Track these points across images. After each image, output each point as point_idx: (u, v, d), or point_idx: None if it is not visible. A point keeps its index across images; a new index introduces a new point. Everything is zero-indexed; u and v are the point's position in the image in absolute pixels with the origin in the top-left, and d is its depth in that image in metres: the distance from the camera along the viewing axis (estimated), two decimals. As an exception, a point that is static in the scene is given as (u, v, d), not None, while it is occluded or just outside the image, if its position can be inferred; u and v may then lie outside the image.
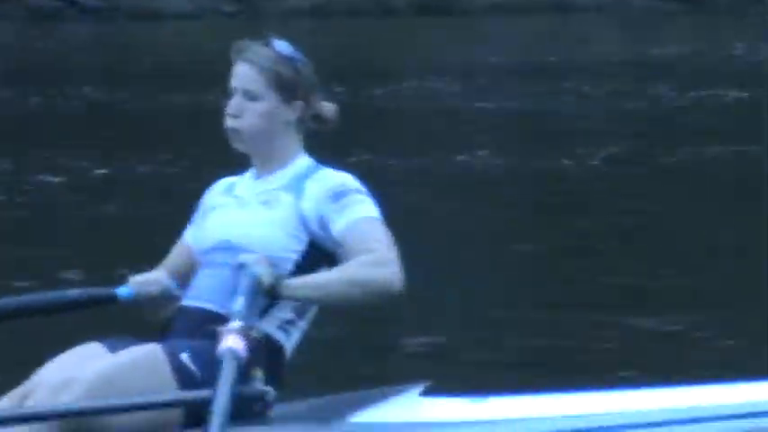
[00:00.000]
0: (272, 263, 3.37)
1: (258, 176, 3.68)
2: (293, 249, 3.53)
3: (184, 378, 3.19)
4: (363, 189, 3.71)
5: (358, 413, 3.91)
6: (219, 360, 2.95)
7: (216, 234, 3.58)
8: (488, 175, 17.19)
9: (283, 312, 3.48)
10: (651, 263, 11.87)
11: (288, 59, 3.69)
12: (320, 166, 3.75)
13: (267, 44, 3.69)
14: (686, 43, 37.81)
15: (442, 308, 9.48)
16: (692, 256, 11.94)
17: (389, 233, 3.61)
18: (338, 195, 3.55)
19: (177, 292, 3.56)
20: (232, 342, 2.95)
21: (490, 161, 18.01)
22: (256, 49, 3.71)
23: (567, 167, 17.66)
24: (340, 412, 3.89)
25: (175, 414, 3.28)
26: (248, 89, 3.60)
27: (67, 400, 3.02)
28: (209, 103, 21.79)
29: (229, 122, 3.61)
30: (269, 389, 3.23)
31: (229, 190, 3.78)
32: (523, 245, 12.63)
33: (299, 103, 3.58)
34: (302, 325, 3.64)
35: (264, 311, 3.36)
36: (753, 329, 8.72)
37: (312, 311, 3.65)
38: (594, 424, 3.94)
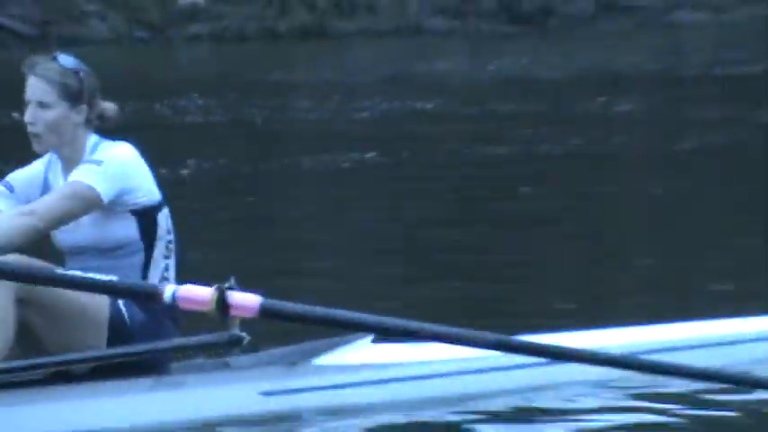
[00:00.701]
0: None
1: (66, 171, 4.25)
2: None
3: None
4: (112, 161, 4.12)
5: (319, 357, 4.90)
6: None
7: None
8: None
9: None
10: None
11: (72, 71, 4.27)
12: (102, 140, 4.33)
13: (54, 59, 4.30)
14: (456, 61, 41.57)
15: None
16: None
17: (75, 196, 4.08)
18: (85, 162, 4.17)
19: None
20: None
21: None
22: (45, 65, 4.29)
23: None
24: (303, 357, 4.80)
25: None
26: (41, 100, 4.22)
27: None
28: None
29: (29, 129, 4.23)
30: (244, 334, 4.02)
31: (47, 181, 4.33)
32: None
33: (84, 107, 4.28)
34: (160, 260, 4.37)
35: None
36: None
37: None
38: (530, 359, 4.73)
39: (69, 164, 4.24)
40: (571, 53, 42.69)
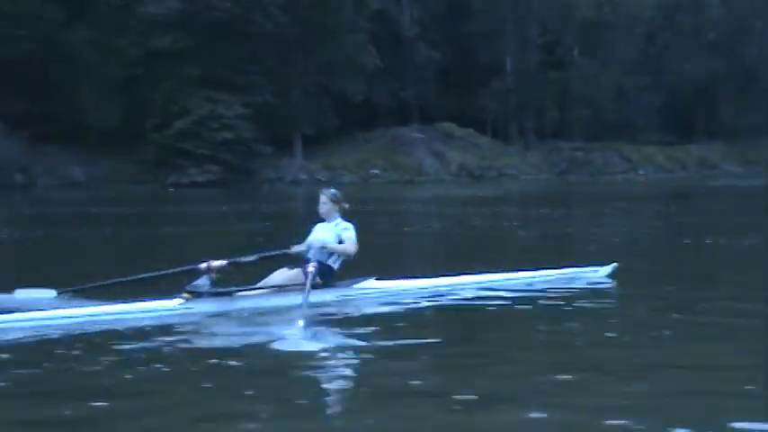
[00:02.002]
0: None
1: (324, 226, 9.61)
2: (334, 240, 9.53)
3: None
4: (351, 226, 9.58)
5: (334, 290, 9.66)
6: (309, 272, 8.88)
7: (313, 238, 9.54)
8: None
9: (332, 258, 9.47)
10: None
11: (333, 193, 9.88)
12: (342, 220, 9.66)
13: (329, 188, 10.32)
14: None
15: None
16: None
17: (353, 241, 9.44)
18: (343, 229, 9.49)
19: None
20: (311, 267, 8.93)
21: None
22: (326, 190, 10.07)
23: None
24: (319, 292, 9.25)
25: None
26: (323, 202, 9.78)
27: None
28: None
29: (320, 209, 9.78)
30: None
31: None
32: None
33: (336, 206, 9.88)
34: (338, 258, 9.52)
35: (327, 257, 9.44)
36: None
37: (338, 256, 9.49)
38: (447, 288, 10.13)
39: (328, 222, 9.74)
40: None
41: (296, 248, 9.51)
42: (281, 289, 9.18)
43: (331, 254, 9.47)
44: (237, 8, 51.30)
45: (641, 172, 61.73)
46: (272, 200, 37.03)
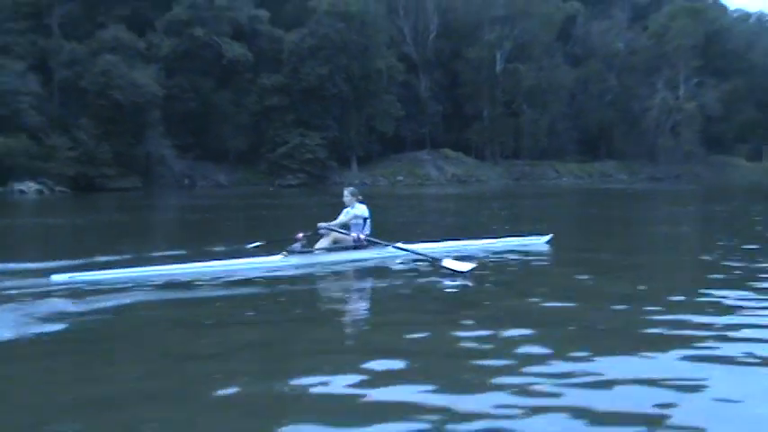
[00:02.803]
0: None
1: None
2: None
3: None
4: (361, 206, 9.10)
5: (360, 251, 8.98)
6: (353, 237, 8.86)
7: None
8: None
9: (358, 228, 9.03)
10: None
11: (352, 190, 9.43)
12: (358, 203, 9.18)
13: (349, 185, 10.26)
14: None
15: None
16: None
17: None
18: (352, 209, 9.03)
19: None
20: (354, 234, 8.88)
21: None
22: (349, 189, 9.52)
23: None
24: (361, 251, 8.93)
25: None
26: (346, 195, 9.41)
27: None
28: None
29: (344, 199, 9.33)
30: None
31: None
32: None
33: (354, 198, 9.40)
34: (362, 228, 9.05)
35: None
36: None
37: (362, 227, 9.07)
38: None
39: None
40: None
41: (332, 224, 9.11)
42: (331, 249, 8.88)
43: (360, 226, 9.14)
44: (317, 80, 52.08)
45: (564, 179, 61.74)
46: (334, 195, 36.37)
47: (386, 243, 8.87)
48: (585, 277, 7.50)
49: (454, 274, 7.46)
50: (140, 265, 8.11)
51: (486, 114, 63.04)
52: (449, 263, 7.74)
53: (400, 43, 61.04)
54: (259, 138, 52.25)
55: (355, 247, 8.87)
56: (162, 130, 47.46)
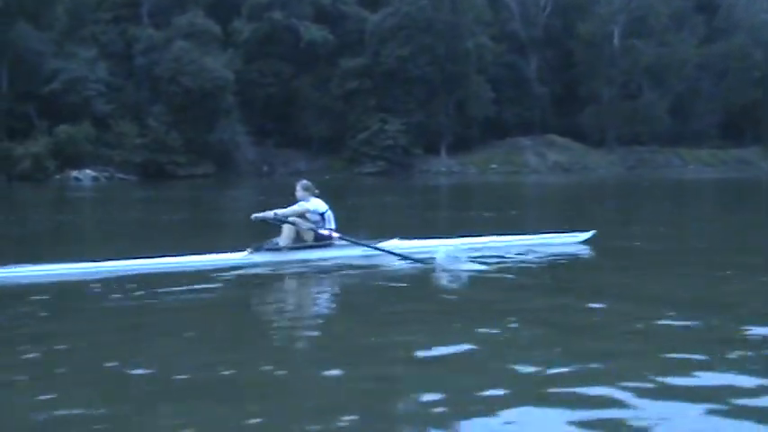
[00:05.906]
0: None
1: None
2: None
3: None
4: (313, 203, 8.02)
5: (328, 250, 8.04)
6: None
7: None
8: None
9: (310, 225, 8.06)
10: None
11: (304, 184, 8.31)
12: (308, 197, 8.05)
13: (299, 181, 8.48)
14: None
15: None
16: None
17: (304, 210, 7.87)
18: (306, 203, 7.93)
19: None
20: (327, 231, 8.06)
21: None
22: (300, 182, 8.38)
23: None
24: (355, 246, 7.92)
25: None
26: (298, 190, 8.33)
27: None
28: None
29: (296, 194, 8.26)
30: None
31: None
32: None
33: (306, 193, 8.30)
34: (307, 226, 8.02)
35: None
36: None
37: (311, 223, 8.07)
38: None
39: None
40: None
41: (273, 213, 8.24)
42: (298, 247, 8.19)
43: (320, 222, 8.28)
44: (398, 62, 49.33)
45: (691, 167, 54.51)
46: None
47: (359, 241, 8.13)
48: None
49: (451, 273, 7.06)
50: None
51: (604, 96, 57.01)
52: (442, 262, 7.26)
53: (507, 21, 56.66)
54: (342, 124, 50.37)
55: (323, 245, 8.15)
56: (237, 116, 46.88)
